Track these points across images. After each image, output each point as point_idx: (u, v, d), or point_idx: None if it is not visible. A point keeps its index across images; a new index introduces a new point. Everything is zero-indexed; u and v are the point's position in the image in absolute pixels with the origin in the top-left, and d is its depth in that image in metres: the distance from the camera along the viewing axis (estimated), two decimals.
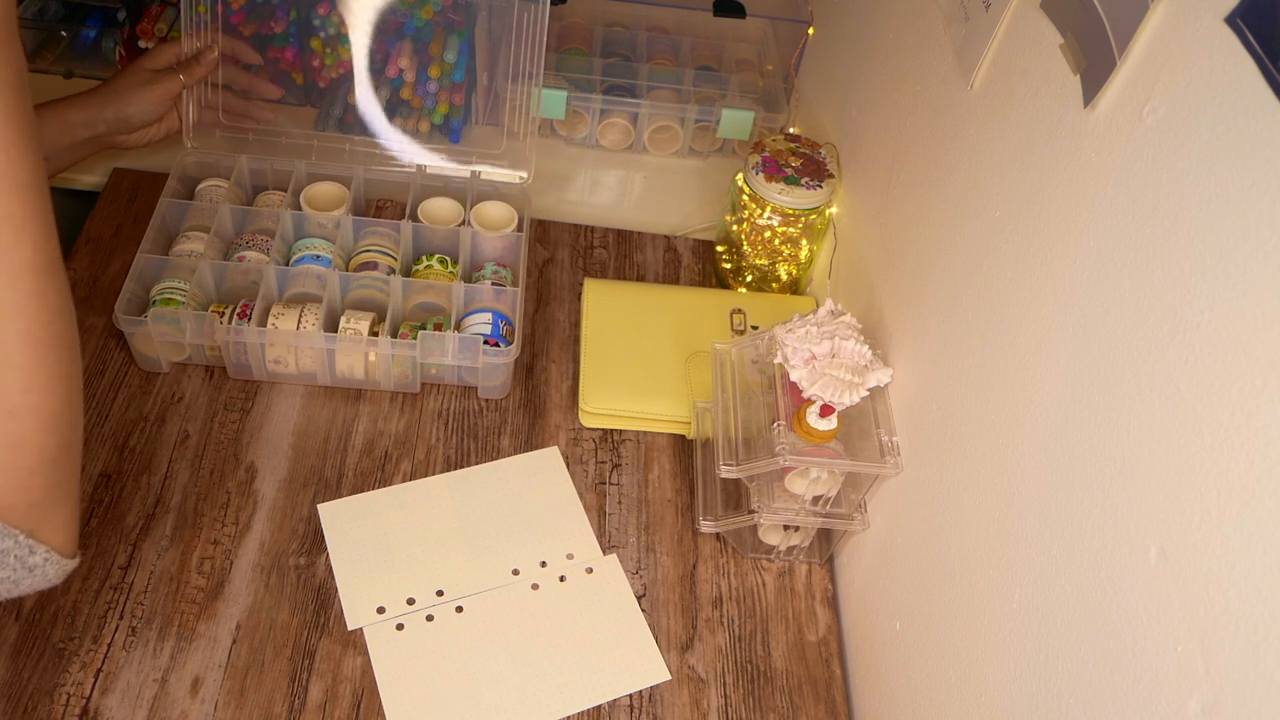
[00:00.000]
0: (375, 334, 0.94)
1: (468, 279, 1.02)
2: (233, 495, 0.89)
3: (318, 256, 1.00)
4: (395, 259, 1.02)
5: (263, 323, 0.93)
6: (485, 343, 0.94)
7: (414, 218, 1.05)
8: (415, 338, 0.94)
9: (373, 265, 1.01)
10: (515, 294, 0.99)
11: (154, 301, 0.94)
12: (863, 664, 0.86)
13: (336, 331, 0.94)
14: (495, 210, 1.08)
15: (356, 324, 0.94)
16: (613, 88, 1.24)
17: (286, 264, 1.00)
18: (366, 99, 1.15)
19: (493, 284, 1.00)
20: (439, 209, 1.07)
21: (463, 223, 1.06)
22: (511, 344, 0.96)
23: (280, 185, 1.08)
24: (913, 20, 0.88)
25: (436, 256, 1.03)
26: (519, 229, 1.06)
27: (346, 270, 1.01)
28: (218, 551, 0.86)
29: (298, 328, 0.93)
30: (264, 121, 1.12)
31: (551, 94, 1.19)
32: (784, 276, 1.10)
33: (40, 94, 1.22)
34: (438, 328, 0.96)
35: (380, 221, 1.04)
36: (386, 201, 1.10)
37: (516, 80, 1.10)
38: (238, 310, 0.94)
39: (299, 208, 1.04)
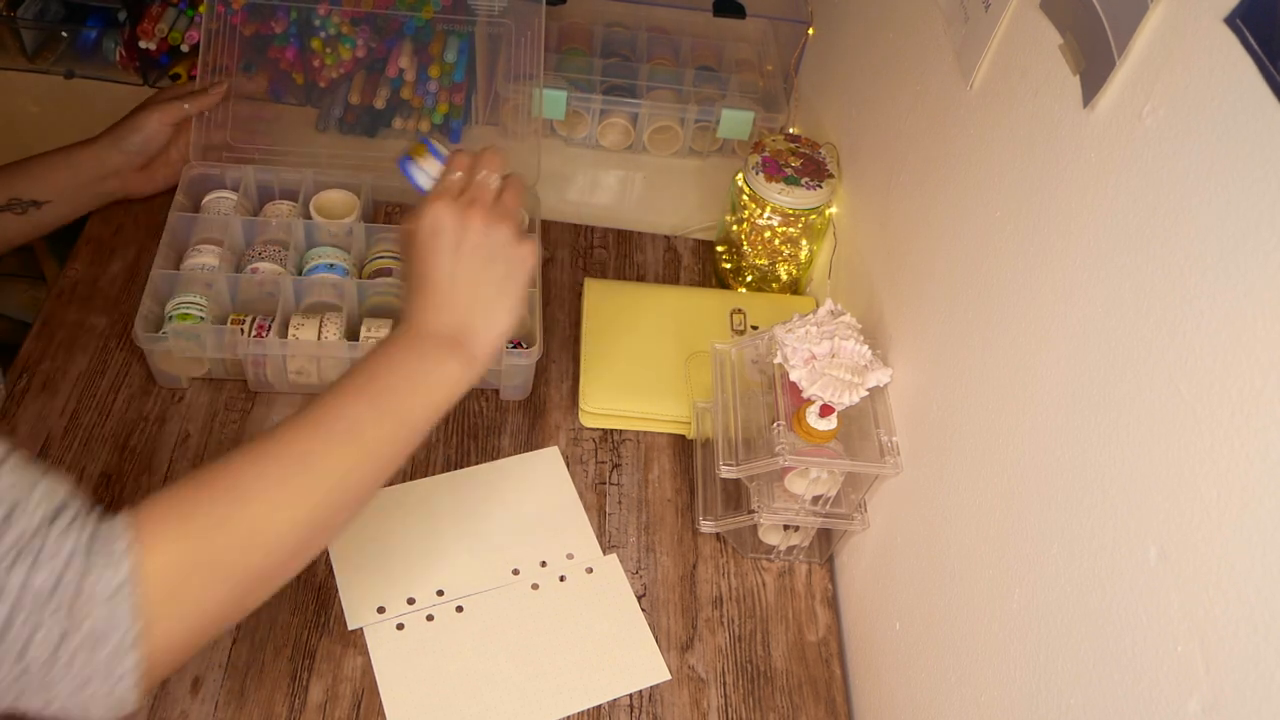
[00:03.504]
0: None
1: None
2: None
3: (331, 265, 0.99)
4: None
5: (282, 334, 0.93)
6: (509, 344, 0.94)
7: None
8: None
9: (387, 272, 1.00)
10: (533, 295, 0.99)
11: (170, 317, 0.94)
12: (863, 664, 0.86)
13: (357, 340, 0.94)
14: None
15: (378, 332, 0.94)
16: (613, 88, 1.24)
17: (300, 274, 1.00)
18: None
19: None
20: None
21: None
22: (532, 344, 0.96)
23: (287, 195, 1.07)
24: (913, 20, 0.88)
25: None
26: (529, 229, 1.06)
27: (361, 277, 1.01)
28: None
29: (319, 338, 0.93)
30: (265, 146, 1.11)
31: (551, 94, 1.19)
32: (784, 276, 1.10)
33: (41, 94, 1.23)
34: None
35: (392, 227, 1.04)
36: (396, 208, 1.10)
37: (516, 80, 1.10)
38: (254, 331, 0.93)
39: (309, 217, 1.03)
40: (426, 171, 0.76)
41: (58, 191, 0.98)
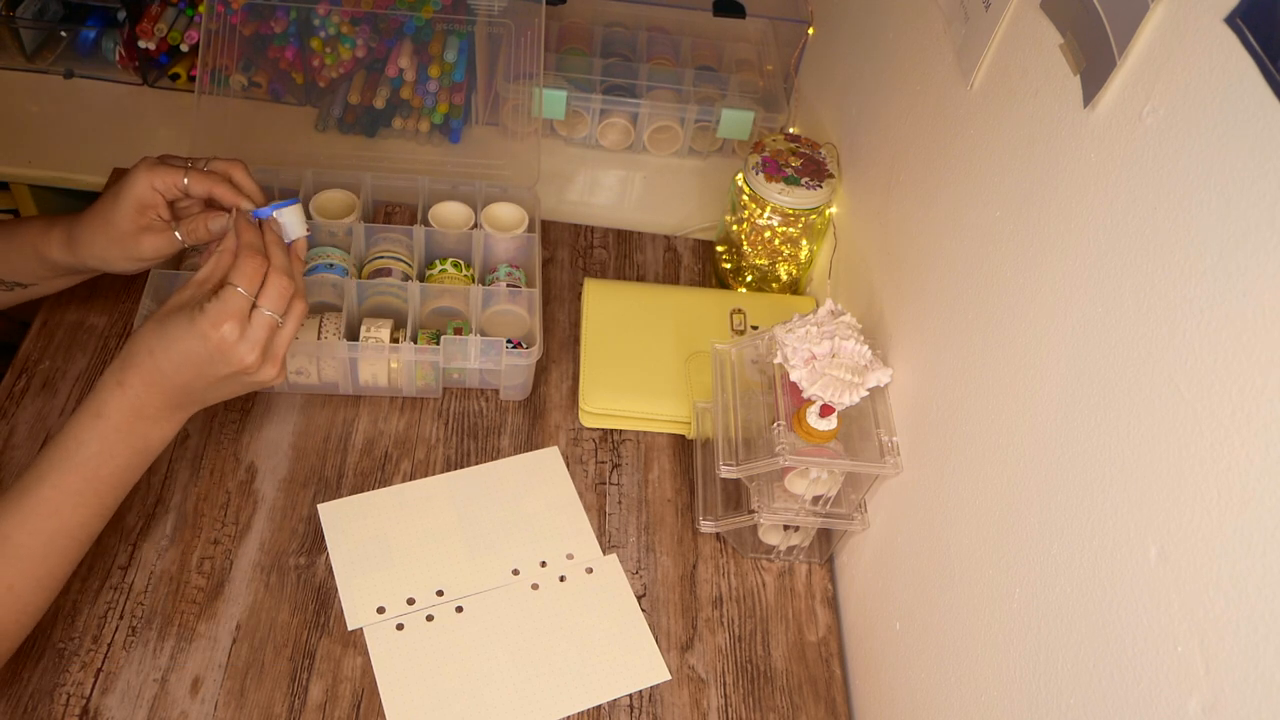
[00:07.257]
0: (395, 340, 0.94)
1: (482, 281, 1.02)
2: (233, 495, 0.89)
3: (331, 265, 0.99)
4: (409, 264, 1.01)
5: None
6: (509, 344, 0.94)
7: (425, 222, 1.04)
8: (436, 342, 0.94)
9: (387, 272, 1.00)
10: (533, 295, 0.99)
11: None
12: (863, 664, 0.86)
13: (356, 340, 0.94)
14: (505, 211, 1.08)
15: (377, 331, 0.94)
16: (613, 88, 1.24)
17: None
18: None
19: (508, 285, 1.01)
20: (449, 212, 1.07)
21: (474, 225, 1.05)
22: (532, 344, 0.96)
23: (287, 195, 1.07)
24: (913, 20, 0.88)
25: (450, 260, 1.03)
26: (529, 229, 1.06)
27: (360, 277, 1.01)
28: (218, 551, 0.86)
29: (319, 337, 0.93)
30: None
31: (551, 94, 1.19)
32: (784, 276, 1.10)
33: (40, 94, 1.23)
34: (458, 332, 0.96)
35: (392, 227, 1.04)
36: (395, 207, 1.10)
37: (516, 80, 1.10)
38: None
39: (309, 217, 1.03)
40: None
41: (36, 278, 0.88)
